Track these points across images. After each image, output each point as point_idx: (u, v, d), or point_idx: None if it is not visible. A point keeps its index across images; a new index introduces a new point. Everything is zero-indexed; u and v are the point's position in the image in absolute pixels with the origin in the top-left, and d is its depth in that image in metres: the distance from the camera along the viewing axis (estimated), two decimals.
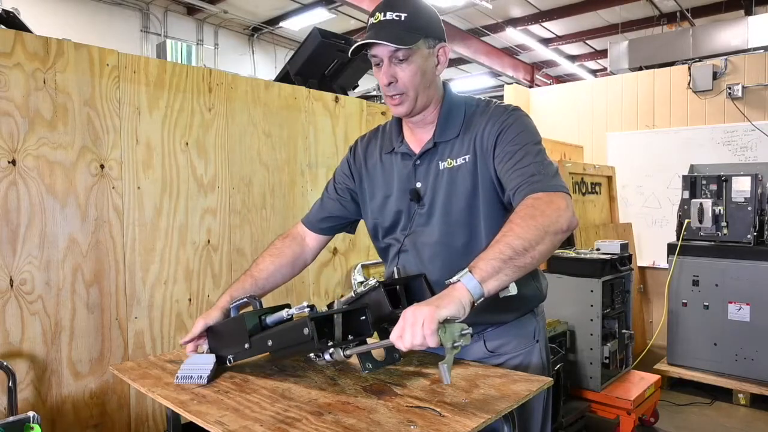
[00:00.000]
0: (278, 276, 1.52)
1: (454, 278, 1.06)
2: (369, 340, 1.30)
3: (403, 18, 1.28)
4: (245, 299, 1.35)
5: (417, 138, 1.43)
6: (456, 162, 1.35)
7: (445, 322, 0.98)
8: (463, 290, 1.04)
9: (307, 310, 1.18)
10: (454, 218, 1.35)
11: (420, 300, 1.17)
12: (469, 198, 1.34)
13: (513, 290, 1.12)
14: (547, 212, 1.12)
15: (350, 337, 1.18)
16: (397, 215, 1.43)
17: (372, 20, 1.31)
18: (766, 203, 3.81)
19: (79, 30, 7.06)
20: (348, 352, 1.14)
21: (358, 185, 1.54)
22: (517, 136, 1.29)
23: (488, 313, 1.36)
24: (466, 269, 1.06)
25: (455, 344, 0.98)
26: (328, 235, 1.62)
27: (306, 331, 1.11)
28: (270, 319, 1.26)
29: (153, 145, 2.03)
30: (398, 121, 1.48)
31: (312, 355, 1.15)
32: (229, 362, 1.30)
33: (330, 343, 1.14)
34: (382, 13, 1.29)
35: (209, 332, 1.36)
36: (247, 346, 1.24)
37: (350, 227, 1.65)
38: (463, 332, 0.99)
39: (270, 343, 1.21)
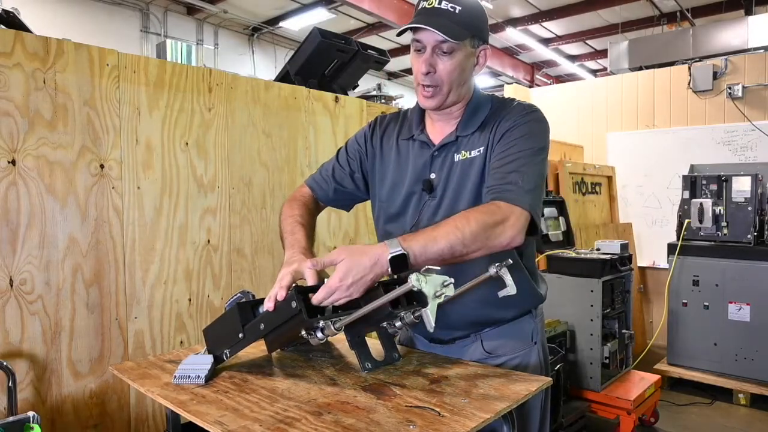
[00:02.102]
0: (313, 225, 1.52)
1: (391, 248, 1.09)
2: (369, 342, 1.30)
3: (457, 11, 1.26)
4: (239, 294, 1.36)
5: (437, 130, 1.42)
6: (470, 154, 1.35)
7: (426, 273, 1.00)
8: (385, 267, 1.09)
9: (294, 288, 1.18)
10: (460, 211, 1.33)
11: (419, 302, 1.17)
12: (476, 191, 1.33)
13: (512, 290, 1.12)
14: (497, 229, 1.17)
15: (339, 311, 1.18)
16: (405, 204, 1.42)
17: (425, 3, 1.29)
18: (766, 203, 3.81)
19: (79, 30, 7.06)
20: (338, 325, 1.13)
21: (370, 163, 1.52)
22: (519, 138, 1.29)
23: (487, 308, 1.36)
24: (404, 250, 1.10)
25: (437, 293, 1.01)
26: (331, 206, 1.60)
27: (294, 304, 1.12)
28: (262, 308, 1.26)
29: (153, 145, 2.03)
30: (420, 109, 1.46)
31: (305, 333, 1.15)
32: (226, 357, 1.29)
33: (319, 317, 1.14)
34: (437, 0, 1.27)
35: (206, 333, 1.36)
36: (241, 335, 1.24)
37: (350, 205, 1.64)
38: (445, 283, 1.01)
39: (262, 326, 1.21)
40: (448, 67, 1.29)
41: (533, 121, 1.34)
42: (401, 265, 1.09)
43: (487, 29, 1.37)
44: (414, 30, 1.28)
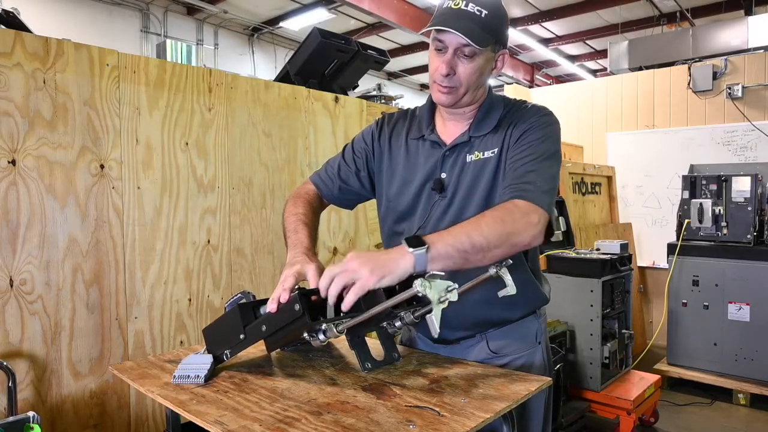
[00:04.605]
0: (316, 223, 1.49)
1: (409, 248, 1.07)
2: (369, 342, 1.30)
3: (483, 15, 1.25)
4: (239, 294, 1.36)
5: (449, 129, 1.42)
6: (483, 155, 1.34)
7: (430, 278, 1.00)
8: (409, 264, 1.05)
9: (296, 291, 1.18)
10: (470, 213, 1.32)
11: (419, 301, 1.17)
12: (488, 193, 1.32)
13: (512, 290, 1.13)
14: (518, 223, 1.15)
15: (342, 314, 1.18)
16: (414, 203, 1.41)
17: (450, 4, 1.27)
18: (766, 203, 3.81)
19: (79, 30, 7.06)
20: (340, 328, 1.13)
21: (377, 162, 1.50)
22: (537, 140, 1.29)
23: (492, 309, 1.36)
24: (426, 246, 1.07)
25: (441, 299, 1.00)
26: (335, 204, 1.59)
27: (297, 307, 1.12)
28: (264, 309, 1.26)
29: (153, 145, 2.03)
30: (430, 108, 1.45)
31: (306, 335, 1.15)
32: (226, 357, 1.29)
33: (321, 320, 1.14)
34: (464, 2, 1.26)
35: (206, 333, 1.36)
36: (242, 336, 1.24)
37: (354, 203, 1.62)
38: (449, 289, 1.01)
39: (264, 328, 1.21)
40: (468, 70, 1.29)
41: (549, 124, 1.34)
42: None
43: (508, 34, 1.36)
44: (437, 30, 1.27)
